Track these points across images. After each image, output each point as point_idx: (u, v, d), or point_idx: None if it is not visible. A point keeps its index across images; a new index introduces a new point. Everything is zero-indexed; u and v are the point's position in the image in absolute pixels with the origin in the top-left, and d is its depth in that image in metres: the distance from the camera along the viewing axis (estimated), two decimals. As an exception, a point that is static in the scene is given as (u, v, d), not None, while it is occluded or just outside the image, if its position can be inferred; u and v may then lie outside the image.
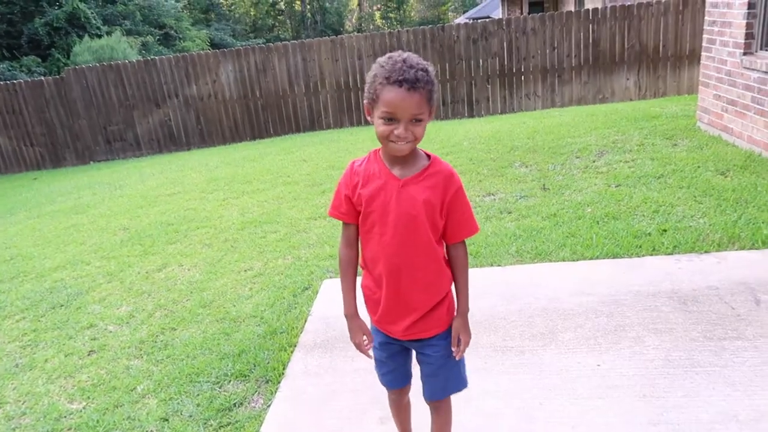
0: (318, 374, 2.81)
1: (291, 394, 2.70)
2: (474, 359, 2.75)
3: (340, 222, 1.84)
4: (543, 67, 10.64)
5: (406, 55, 1.61)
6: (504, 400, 2.46)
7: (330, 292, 3.58)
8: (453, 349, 1.85)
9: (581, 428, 2.25)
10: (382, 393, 2.57)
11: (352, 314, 1.87)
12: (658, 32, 10.23)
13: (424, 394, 1.95)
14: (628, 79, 10.52)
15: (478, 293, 3.33)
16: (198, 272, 4.24)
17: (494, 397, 2.48)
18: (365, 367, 2.80)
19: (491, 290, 3.36)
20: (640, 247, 3.64)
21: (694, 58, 9.96)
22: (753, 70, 5.18)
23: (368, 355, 1.91)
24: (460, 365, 1.90)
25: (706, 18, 6.12)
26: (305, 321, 3.29)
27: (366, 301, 1.88)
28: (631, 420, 2.26)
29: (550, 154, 5.91)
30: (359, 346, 1.89)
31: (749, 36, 5.31)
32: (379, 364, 1.97)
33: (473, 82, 10.85)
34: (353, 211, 1.74)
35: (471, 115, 10.95)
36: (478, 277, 3.55)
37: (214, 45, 31.12)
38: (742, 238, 3.59)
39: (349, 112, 11.23)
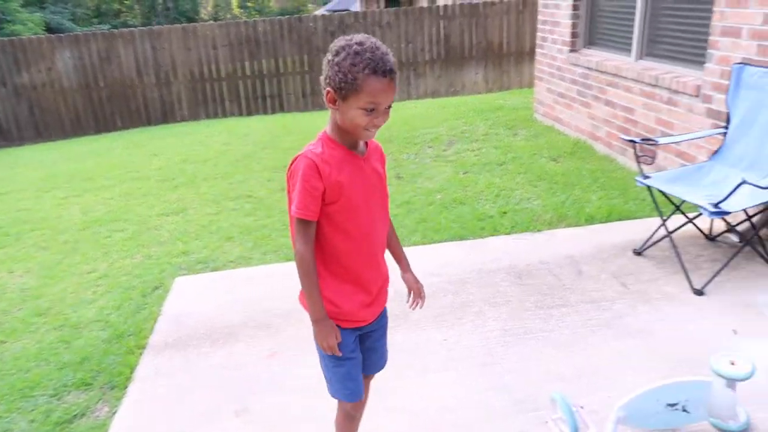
0: (170, 374, 2.70)
1: (140, 397, 2.57)
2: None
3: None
4: (399, 61, 10.98)
5: (374, 40, 1.57)
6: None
7: (183, 290, 3.45)
8: (417, 300, 1.96)
9: (431, 400, 2.39)
10: (239, 387, 2.55)
11: (323, 316, 1.69)
12: (502, 30, 10.99)
13: (370, 370, 1.95)
14: (477, 73, 11.20)
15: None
16: (32, 278, 3.87)
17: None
18: (221, 363, 2.74)
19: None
20: (484, 228, 3.93)
21: (533, 54, 10.83)
22: (578, 66, 5.76)
23: (339, 354, 1.73)
24: None
25: (538, 17, 6.68)
26: (155, 321, 3.14)
27: (335, 302, 1.72)
28: (474, 387, 2.45)
29: (405, 144, 6.14)
30: (334, 348, 1.71)
31: (574, 35, 5.89)
32: (354, 371, 1.81)
33: (332, 74, 10.92)
34: (319, 209, 1.63)
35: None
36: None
37: (50, 30, 28.20)
38: (569, 217, 4.00)
39: (204, 104, 10.79)
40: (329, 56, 1.57)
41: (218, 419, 2.39)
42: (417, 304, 1.97)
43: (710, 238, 3.56)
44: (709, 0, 3.97)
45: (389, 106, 1.59)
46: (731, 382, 2.04)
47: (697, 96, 4.09)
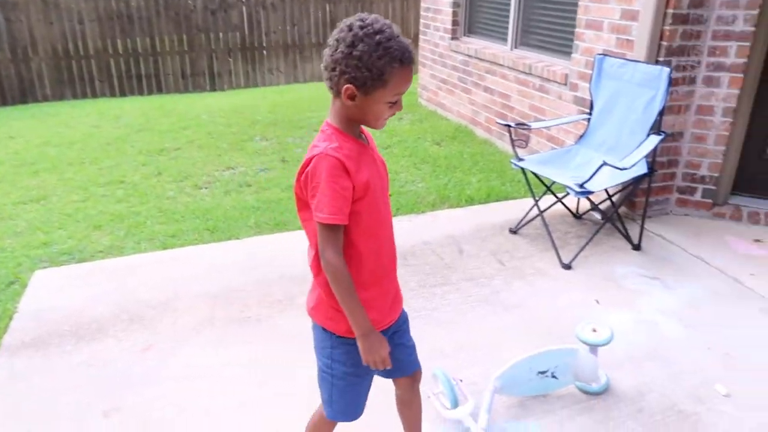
0: (28, 377, 2.45)
1: (-9, 404, 2.31)
2: (210, 333, 2.69)
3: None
4: (285, 43, 10.74)
5: (387, 23, 1.40)
6: (243, 368, 2.46)
7: (44, 284, 3.14)
8: None
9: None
10: (108, 385, 2.37)
11: (371, 329, 1.49)
12: (387, 15, 11.06)
13: (412, 367, 1.81)
14: (363, 58, 11.21)
15: (217, 267, 3.27)
16: None
17: (235, 366, 2.46)
18: (87, 360, 2.53)
19: (230, 264, 3.31)
20: (369, 211, 3.94)
21: (417, 40, 11.05)
22: (458, 53, 5.94)
23: (390, 366, 1.54)
24: None
25: (421, 4, 6.80)
26: (10, 320, 2.83)
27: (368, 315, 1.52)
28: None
29: (290, 128, 6.02)
30: (387, 361, 1.51)
31: (455, 23, 6.06)
32: (367, 387, 1.69)
33: (214, 55, 10.46)
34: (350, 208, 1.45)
35: (213, 89, 10.56)
36: (216, 252, 3.47)
37: None
38: (450, 198, 4.12)
39: (71, 83, 9.88)
40: (343, 48, 1.37)
41: (85, 421, 2.20)
42: None
43: (577, 216, 3.83)
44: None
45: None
46: (593, 348, 2.20)
47: (565, 84, 4.35)
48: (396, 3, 11.10)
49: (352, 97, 1.39)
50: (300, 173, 1.45)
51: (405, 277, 3.12)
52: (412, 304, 2.88)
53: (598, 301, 2.90)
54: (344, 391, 1.63)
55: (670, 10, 3.42)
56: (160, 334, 2.69)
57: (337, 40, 1.39)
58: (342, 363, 1.58)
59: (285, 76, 10.91)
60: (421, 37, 6.92)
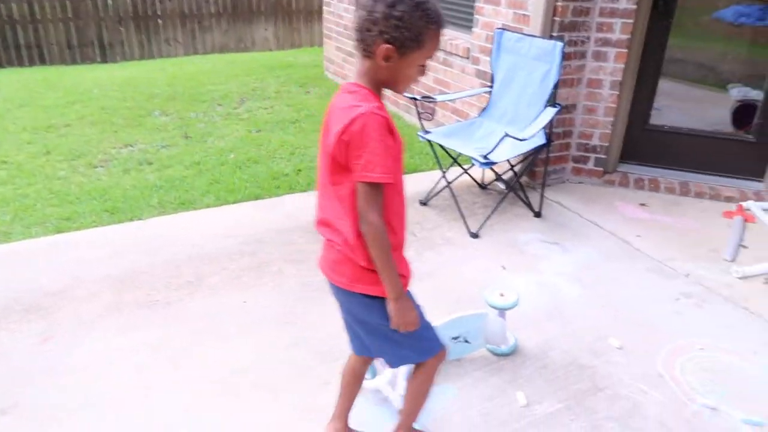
0: None
1: None
2: (116, 320, 2.57)
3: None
4: (182, 12, 10.17)
5: None
6: (153, 353, 2.37)
7: None
8: None
9: (230, 365, 2.33)
10: (4, 382, 2.21)
11: (403, 292, 1.53)
12: (289, -14, 10.76)
13: None
14: (266, 29, 10.87)
15: (119, 250, 3.10)
16: None
17: (143, 352, 2.37)
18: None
19: (133, 246, 3.15)
20: (279, 187, 3.88)
21: (321, 12, 10.86)
22: (364, 25, 5.90)
23: (418, 326, 1.58)
24: None
25: (325, -26, 6.67)
26: None
27: (405, 276, 1.59)
28: (276, 346, 2.43)
29: (192, 102, 5.76)
30: (416, 322, 1.56)
31: (359, -5, 6.00)
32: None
33: (103, 23, 9.73)
34: None
35: (104, 60, 9.84)
36: (117, 235, 3.29)
37: None
38: (361, 172, 4.13)
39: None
40: (383, 8, 1.35)
41: (-22, 422, 2.05)
42: None
43: (482, 186, 3.98)
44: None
45: None
46: (501, 311, 2.32)
47: (467, 58, 4.46)
48: (298, -28, 10.81)
49: (387, 58, 1.39)
50: (340, 133, 1.39)
51: (317, 251, 3.11)
52: (326, 278, 2.89)
53: (504, 267, 3.05)
54: (420, 333, 1.62)
55: (564, -13, 3.59)
56: (60, 323, 2.53)
57: (374, 1, 1.37)
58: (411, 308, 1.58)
59: (183, 48, 10.37)
60: (325, 8, 6.80)
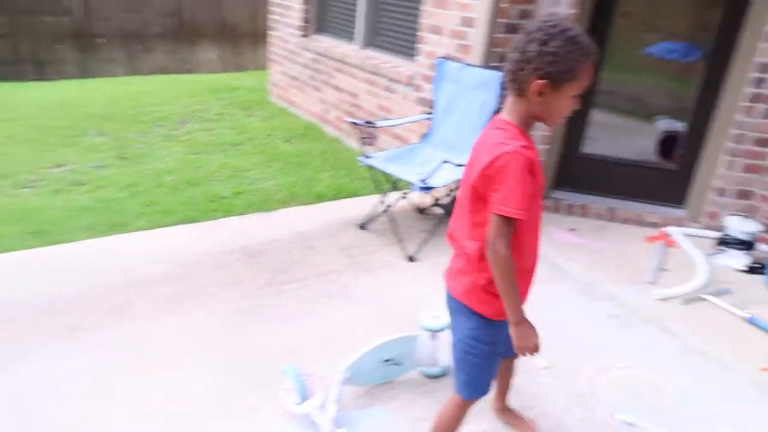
0: None
1: None
2: (38, 347, 2.45)
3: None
4: (124, 32, 9.99)
5: (568, 22, 1.50)
6: (77, 382, 2.27)
7: None
8: None
9: (159, 393, 2.26)
10: None
11: (524, 317, 1.63)
12: (237, 9, 10.76)
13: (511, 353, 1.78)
14: (211, 51, 10.80)
15: (43, 275, 2.98)
16: None
17: (65, 381, 2.26)
18: None
19: (59, 270, 3.03)
20: (216, 210, 3.83)
21: (266, 36, 10.88)
22: (309, 51, 5.96)
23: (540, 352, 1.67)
24: None
25: (270, 0, 6.71)
26: None
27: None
28: (207, 371, 2.38)
29: (130, 123, 5.63)
30: (537, 348, 1.64)
31: (306, 20, 6.07)
32: (496, 365, 1.84)
33: (40, 41, 9.43)
34: None
35: (40, 78, 9.53)
36: (42, 258, 3.17)
37: None
38: (300, 196, 4.14)
39: None
40: (536, 47, 1.46)
41: None
42: None
43: (421, 210, 4.04)
44: (418, 0, 4.45)
45: None
46: (434, 333, 2.35)
47: (410, 85, 4.56)
48: (245, -4, 10.83)
49: (540, 94, 1.49)
50: (485, 168, 1.51)
51: (253, 275, 3.09)
52: (261, 302, 2.86)
53: (440, 290, 3.09)
54: (483, 368, 1.77)
55: (502, 20, 3.74)
56: (-28, 351, 2.39)
57: (527, 42, 1.48)
58: (486, 343, 1.72)
59: (125, 68, 10.16)
60: (270, 33, 6.83)
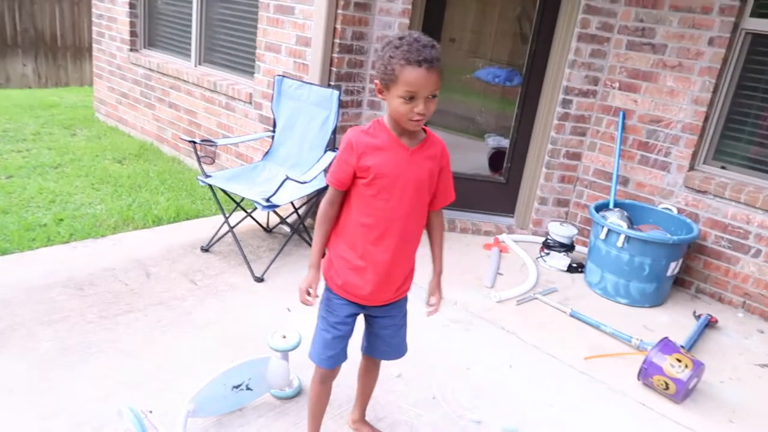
0: None
1: None
2: None
3: None
4: None
5: (417, 34, 1.65)
6: None
7: None
8: (428, 307, 2.01)
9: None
10: None
11: (314, 265, 1.87)
12: (54, 19, 9.79)
13: (374, 353, 2.07)
14: (25, 65, 9.69)
15: None
16: None
17: None
18: None
19: None
20: (34, 239, 3.41)
21: (91, 50, 10.05)
22: (139, 66, 5.59)
23: (308, 304, 1.88)
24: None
25: (93, 11, 6.21)
26: None
27: (338, 270, 1.86)
28: (27, 420, 2.08)
29: None
30: (302, 295, 1.87)
31: (134, 34, 5.69)
32: (336, 341, 1.91)
33: None
34: (349, 181, 1.76)
35: None
36: None
37: None
38: (135, 220, 3.83)
39: None
40: (377, 54, 1.62)
41: None
42: (433, 309, 2.01)
43: (268, 230, 3.95)
44: (254, 17, 4.39)
45: (434, 96, 1.66)
46: (284, 353, 2.29)
47: (250, 102, 4.47)
48: (64, 6, 9.92)
49: (379, 92, 1.71)
50: None
51: (82, 309, 2.78)
52: (91, 338, 2.58)
53: (289, 309, 3.03)
54: (320, 334, 1.93)
55: (337, 40, 3.81)
56: None
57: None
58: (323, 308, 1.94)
59: None
60: (95, 46, 6.32)
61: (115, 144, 5.38)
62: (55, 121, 5.96)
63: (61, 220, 3.69)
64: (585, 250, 4.03)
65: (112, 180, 4.46)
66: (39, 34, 9.73)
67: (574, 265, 3.89)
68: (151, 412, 2.09)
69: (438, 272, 2.02)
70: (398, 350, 2.06)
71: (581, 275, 3.84)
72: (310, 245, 3.68)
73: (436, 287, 2.02)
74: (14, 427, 2.05)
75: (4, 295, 2.80)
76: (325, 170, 3.47)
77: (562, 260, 3.90)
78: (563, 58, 4.00)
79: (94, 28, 6.26)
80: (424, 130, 1.82)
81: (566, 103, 4.05)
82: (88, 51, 10.14)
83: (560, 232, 3.95)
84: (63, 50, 10.01)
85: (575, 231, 3.99)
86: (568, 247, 3.96)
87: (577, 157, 4.19)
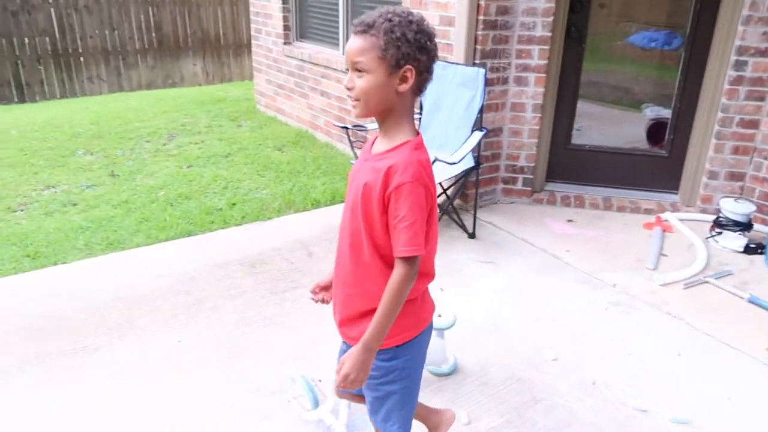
0: None
1: None
2: (37, 370, 2.42)
3: None
4: (104, 49, 9.93)
5: (393, 8, 1.39)
6: (81, 402, 2.25)
7: None
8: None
9: (165, 409, 2.24)
10: None
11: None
12: (217, 20, 10.73)
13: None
14: (194, 64, 10.75)
15: (42, 297, 2.95)
16: None
17: (69, 401, 2.24)
18: None
19: (57, 291, 3.00)
20: (213, 222, 3.81)
21: (251, 46, 10.86)
22: (293, 58, 5.95)
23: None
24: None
25: (251, 9, 6.71)
26: None
27: None
28: (214, 384, 2.36)
29: (118, 140, 5.60)
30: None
31: (287, 27, 6.06)
32: None
33: (20, 62, 9.35)
34: None
35: (22, 101, 9.44)
36: (40, 280, 3.14)
37: None
38: (296, 203, 4.13)
39: None
40: None
41: None
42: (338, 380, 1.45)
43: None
44: (397, 2, 4.46)
45: (359, 71, 1.35)
46: (440, 332, 2.35)
47: (397, 86, 4.56)
48: (225, 8, 10.81)
49: None
50: None
51: (255, 285, 3.08)
52: (264, 311, 2.85)
53: (441, 289, 3.09)
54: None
55: (481, 17, 3.75)
56: (-24, 379, 2.37)
57: None
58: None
59: (108, 85, 10.10)
60: (253, 42, 6.82)
61: (275, 133, 5.80)
62: (223, 114, 6.56)
63: (234, 204, 4.09)
64: (765, 229, 3.62)
65: (273, 166, 4.83)
66: (205, 35, 10.72)
67: (753, 245, 3.50)
68: (320, 380, 2.27)
69: (362, 339, 1.41)
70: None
71: (761, 257, 3.45)
72: (459, 225, 3.72)
73: (348, 356, 1.42)
74: (202, 392, 2.34)
75: (193, 273, 3.18)
76: (472, 151, 3.46)
77: (737, 240, 3.53)
78: (735, 14, 3.58)
79: (252, 25, 6.76)
80: (410, 141, 1.40)
81: (740, 65, 3.63)
82: (246, 47, 10.97)
83: (735, 209, 3.58)
84: (226, 48, 10.94)
85: (753, 208, 3.59)
86: (744, 226, 3.58)
87: (754, 124, 3.75)
